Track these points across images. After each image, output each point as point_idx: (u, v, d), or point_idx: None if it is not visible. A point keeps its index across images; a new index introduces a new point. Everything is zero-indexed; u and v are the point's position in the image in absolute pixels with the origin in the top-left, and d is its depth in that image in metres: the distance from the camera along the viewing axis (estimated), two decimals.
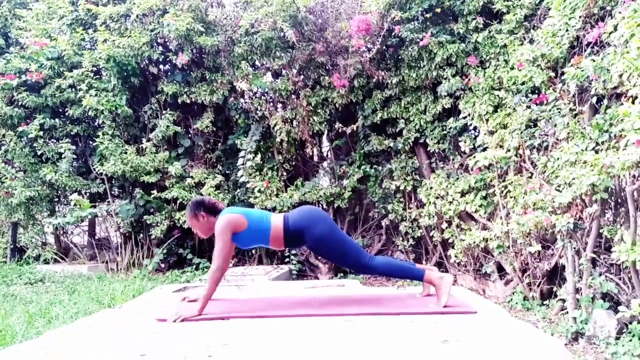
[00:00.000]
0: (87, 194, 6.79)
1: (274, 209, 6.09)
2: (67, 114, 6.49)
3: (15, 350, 2.21)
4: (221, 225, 2.69)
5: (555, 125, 4.17)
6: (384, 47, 5.90)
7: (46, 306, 4.35)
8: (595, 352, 3.38)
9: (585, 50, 4.02)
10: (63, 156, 6.34)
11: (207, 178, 6.25)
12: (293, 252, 6.15)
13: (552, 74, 4.30)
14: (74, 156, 6.47)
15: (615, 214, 3.88)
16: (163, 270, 6.47)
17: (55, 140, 6.75)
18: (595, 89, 3.72)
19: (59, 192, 6.93)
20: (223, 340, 2.18)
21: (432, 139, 5.71)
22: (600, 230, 3.76)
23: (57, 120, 6.54)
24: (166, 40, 6.38)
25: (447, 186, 5.39)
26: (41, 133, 6.37)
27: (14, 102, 6.48)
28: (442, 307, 2.64)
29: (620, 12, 3.35)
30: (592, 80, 3.73)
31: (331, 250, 2.84)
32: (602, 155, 3.46)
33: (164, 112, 6.42)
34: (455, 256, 5.28)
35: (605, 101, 3.74)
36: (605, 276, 3.75)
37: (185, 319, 2.57)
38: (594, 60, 3.59)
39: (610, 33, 3.43)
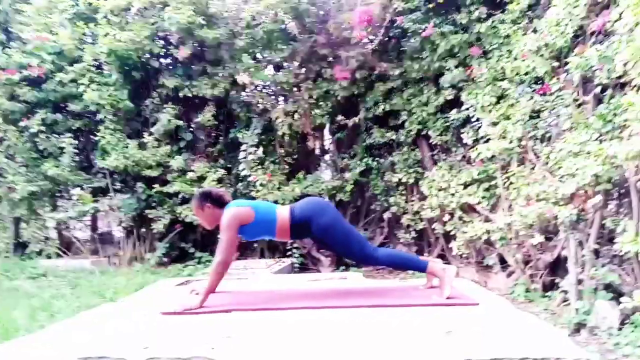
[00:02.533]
0: (89, 189, 6.78)
1: (275, 203, 6.09)
2: (68, 108, 6.49)
3: (18, 344, 2.21)
4: (228, 218, 2.66)
5: (559, 116, 4.14)
6: (386, 39, 5.87)
7: (49, 300, 4.37)
8: (597, 342, 3.37)
9: (589, 40, 3.98)
10: (65, 151, 6.33)
11: (208, 172, 6.24)
12: (295, 245, 6.14)
13: (556, 64, 4.27)
14: (76, 151, 6.46)
15: (618, 205, 3.87)
16: (165, 264, 6.48)
17: (56, 135, 6.73)
18: (600, 79, 3.68)
19: (61, 186, 6.93)
20: (226, 333, 2.17)
21: (434, 131, 5.69)
22: (603, 222, 3.74)
23: (58, 115, 6.53)
24: (167, 33, 6.35)
25: (449, 178, 5.37)
26: (43, 128, 6.36)
27: (15, 97, 6.46)
28: (445, 298, 2.63)
29: (625, 0, 3.31)
30: (596, 69, 3.69)
31: (336, 240, 2.83)
32: (606, 145, 3.43)
33: (165, 106, 6.40)
34: (458, 248, 5.26)
35: (610, 91, 3.70)
36: (608, 267, 3.73)
37: (187, 310, 2.56)
38: (598, 50, 3.55)
39: (615, 21, 3.39)
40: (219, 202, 2.81)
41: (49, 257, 6.77)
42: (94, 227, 7.35)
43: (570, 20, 3.99)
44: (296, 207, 2.83)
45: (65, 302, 4.26)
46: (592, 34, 3.95)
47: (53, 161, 6.36)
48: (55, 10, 6.75)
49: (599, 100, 3.94)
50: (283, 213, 2.78)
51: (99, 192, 6.85)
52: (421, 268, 2.81)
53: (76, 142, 6.51)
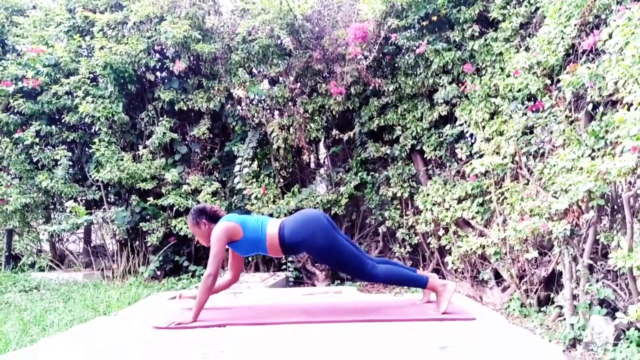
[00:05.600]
0: (83, 201, 6.76)
1: (270, 216, 6.08)
2: (63, 120, 6.47)
3: (9, 358, 2.18)
4: (217, 233, 2.69)
5: (552, 132, 4.19)
6: (381, 55, 5.93)
7: (41, 314, 4.31)
8: (593, 358, 3.38)
9: (580, 58, 4.05)
10: (59, 163, 6.31)
11: (203, 185, 6.24)
12: (290, 259, 6.13)
13: (548, 82, 4.33)
14: (70, 163, 6.44)
15: (611, 221, 3.89)
16: (159, 277, 6.43)
17: (51, 147, 6.72)
18: (591, 96, 3.74)
19: (55, 199, 6.90)
20: (220, 348, 2.16)
21: (428, 146, 5.73)
22: (597, 237, 3.76)
23: (53, 127, 6.52)
24: (163, 47, 6.39)
25: (443, 193, 5.40)
26: (37, 140, 6.34)
27: (10, 109, 6.45)
28: (441, 313, 2.63)
29: (615, 20, 3.38)
30: (587, 87, 3.75)
31: (332, 261, 2.81)
32: (598, 161, 3.47)
33: (160, 119, 6.41)
34: (453, 263, 5.27)
35: (601, 108, 3.75)
36: (603, 282, 3.75)
37: (180, 323, 2.56)
38: (590, 68, 3.61)
39: (605, 41, 3.45)
40: (214, 218, 2.83)
41: (41, 269, 6.71)
42: (87, 240, 7.31)
43: (562, 39, 4.06)
44: (286, 225, 2.75)
45: (57, 315, 4.21)
46: (583, 52, 4.01)
47: (47, 173, 6.33)
48: (52, 23, 6.79)
49: (590, 117, 3.99)
50: (272, 231, 2.74)
51: (92, 205, 6.82)
52: (422, 284, 2.80)
53: (70, 154, 6.49)
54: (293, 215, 2.88)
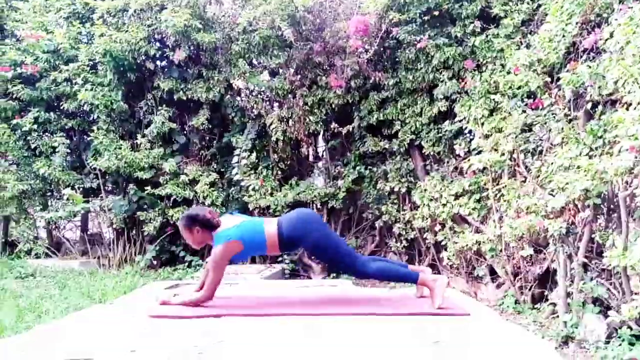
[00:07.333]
0: (81, 189, 6.73)
1: (267, 208, 6.09)
2: (62, 107, 6.44)
3: (3, 344, 2.19)
4: (219, 257, 2.69)
5: (550, 130, 4.19)
6: (382, 49, 5.91)
7: (36, 300, 4.33)
8: (585, 355, 3.40)
9: (581, 56, 4.04)
10: (57, 150, 6.28)
11: (201, 175, 6.23)
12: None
13: (548, 79, 4.32)
14: (68, 150, 6.42)
15: (607, 220, 3.91)
16: (155, 267, 6.44)
17: (49, 134, 6.68)
18: (591, 95, 3.74)
19: (52, 186, 6.87)
20: (215, 338, 2.18)
21: (427, 142, 5.72)
22: (593, 236, 3.78)
23: (51, 113, 6.49)
24: (163, 36, 6.34)
25: (441, 189, 5.40)
26: (35, 126, 6.31)
27: (8, 95, 6.42)
28: (436, 308, 2.65)
29: (616, 19, 3.37)
30: (587, 86, 3.75)
31: (326, 256, 2.87)
32: (596, 160, 3.48)
33: (159, 108, 6.38)
34: (448, 258, 5.29)
35: (600, 107, 3.75)
36: (597, 281, 3.77)
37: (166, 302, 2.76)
38: (590, 67, 3.61)
39: (606, 40, 3.45)
40: (209, 226, 2.82)
41: (37, 256, 6.71)
42: (84, 228, 7.30)
43: (563, 37, 4.05)
44: (283, 224, 2.79)
45: (53, 303, 4.22)
46: (584, 51, 4.01)
47: (45, 160, 6.31)
48: (52, 9, 6.74)
49: (589, 116, 3.99)
50: (271, 231, 2.76)
51: (90, 193, 6.81)
52: (412, 280, 2.83)
53: (69, 141, 6.47)
54: (289, 213, 2.94)
